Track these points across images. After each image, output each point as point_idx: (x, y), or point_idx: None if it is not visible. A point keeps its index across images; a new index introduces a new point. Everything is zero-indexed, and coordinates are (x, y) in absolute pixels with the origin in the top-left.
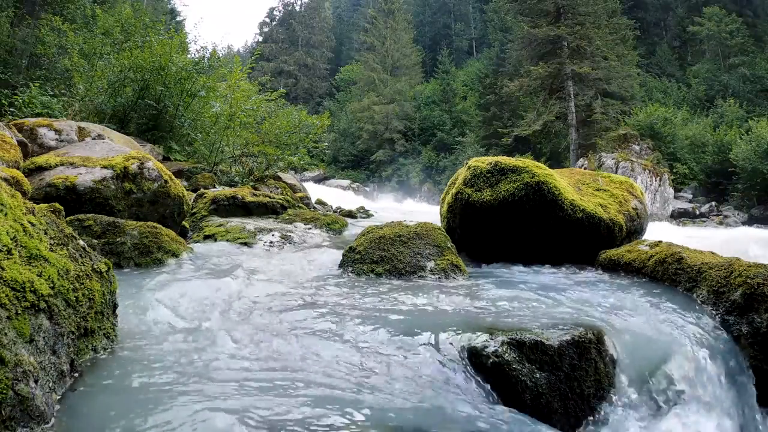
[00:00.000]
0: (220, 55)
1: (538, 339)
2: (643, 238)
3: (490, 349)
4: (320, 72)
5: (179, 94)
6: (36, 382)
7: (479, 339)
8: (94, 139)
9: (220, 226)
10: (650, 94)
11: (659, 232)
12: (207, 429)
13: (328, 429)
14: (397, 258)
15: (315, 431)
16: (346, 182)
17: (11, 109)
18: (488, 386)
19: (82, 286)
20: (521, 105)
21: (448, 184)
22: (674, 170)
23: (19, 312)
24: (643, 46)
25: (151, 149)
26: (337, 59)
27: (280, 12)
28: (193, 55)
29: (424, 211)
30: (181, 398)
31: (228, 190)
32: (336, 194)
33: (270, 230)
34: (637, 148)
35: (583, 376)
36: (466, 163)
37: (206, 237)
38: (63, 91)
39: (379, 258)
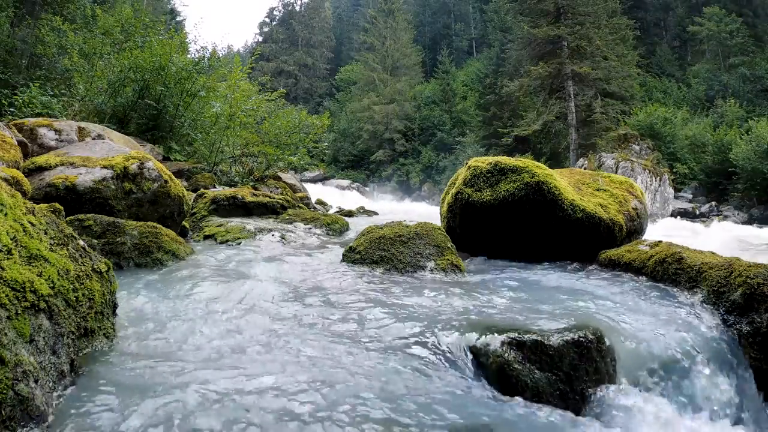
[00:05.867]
0: (220, 55)
1: (539, 339)
2: (643, 237)
3: (491, 348)
4: (320, 72)
5: (179, 94)
6: (36, 382)
7: (480, 339)
8: (94, 139)
9: (220, 226)
10: (650, 94)
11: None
12: (202, 428)
13: (333, 422)
14: (397, 258)
15: (320, 424)
16: (346, 182)
17: (11, 109)
18: (489, 384)
19: (82, 286)
20: (521, 105)
21: (448, 184)
22: (674, 170)
23: (19, 312)
24: (643, 46)
25: (151, 149)
26: (337, 59)
27: (280, 12)
28: (193, 55)
29: (424, 211)
30: (179, 398)
31: (228, 190)
32: (336, 194)
33: (270, 230)
34: (637, 148)
35: (584, 375)
36: (466, 163)
37: (206, 237)
38: (63, 91)
39: (379, 258)
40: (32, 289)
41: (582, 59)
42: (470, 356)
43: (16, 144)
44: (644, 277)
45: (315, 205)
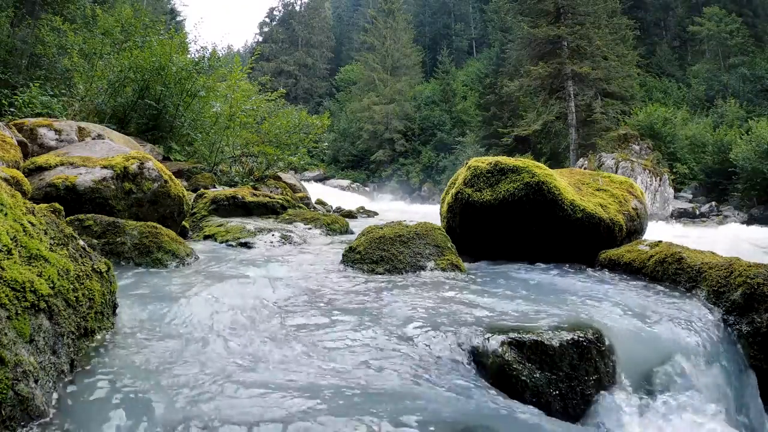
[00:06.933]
0: (220, 55)
1: (539, 339)
2: (643, 237)
3: (491, 348)
4: (320, 72)
5: (179, 94)
6: (36, 382)
7: (480, 339)
8: (94, 139)
9: (220, 226)
10: (650, 94)
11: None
12: (200, 428)
13: (330, 421)
14: (397, 258)
15: (318, 422)
16: (346, 182)
17: (11, 109)
18: (490, 384)
19: (82, 286)
20: (521, 105)
21: (448, 184)
22: (674, 170)
23: (19, 312)
24: (643, 46)
25: (151, 149)
26: (337, 59)
27: (280, 12)
28: (193, 55)
29: (424, 211)
30: (178, 398)
31: (228, 190)
32: (336, 194)
33: (270, 230)
34: (637, 148)
35: (584, 375)
36: (466, 163)
37: (206, 237)
38: (63, 91)
39: (379, 258)
40: (32, 289)
41: (582, 59)
42: (470, 356)
43: (16, 144)
44: (644, 277)
45: (315, 205)
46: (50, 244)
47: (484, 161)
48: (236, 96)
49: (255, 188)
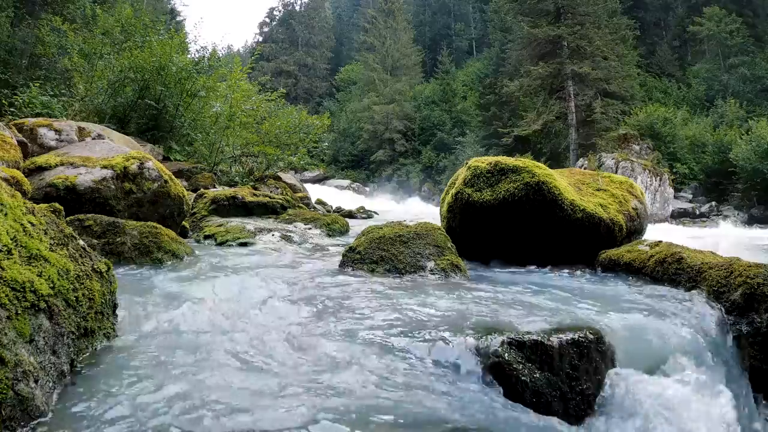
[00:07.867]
0: (220, 55)
1: (539, 339)
2: (643, 237)
3: (491, 348)
4: (320, 72)
5: (179, 94)
6: (36, 382)
7: (480, 339)
8: (94, 139)
9: (220, 226)
10: (650, 94)
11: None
12: (200, 427)
13: (329, 422)
14: (397, 258)
15: (316, 423)
16: (346, 182)
17: (11, 109)
18: (489, 384)
19: (82, 286)
20: (521, 105)
21: (448, 184)
22: (674, 170)
23: (19, 312)
24: (643, 46)
25: (151, 149)
26: (337, 59)
27: (280, 12)
28: (193, 55)
29: (423, 211)
30: (178, 398)
31: (228, 190)
32: (336, 194)
33: (270, 230)
34: (637, 148)
35: (584, 375)
36: (466, 163)
37: (206, 237)
38: (63, 91)
39: (379, 258)
40: (32, 289)
41: (582, 59)
42: (470, 356)
43: (16, 144)
44: (644, 277)
45: (315, 205)
46: (50, 244)
47: (484, 161)
48: (236, 96)
49: (255, 188)
